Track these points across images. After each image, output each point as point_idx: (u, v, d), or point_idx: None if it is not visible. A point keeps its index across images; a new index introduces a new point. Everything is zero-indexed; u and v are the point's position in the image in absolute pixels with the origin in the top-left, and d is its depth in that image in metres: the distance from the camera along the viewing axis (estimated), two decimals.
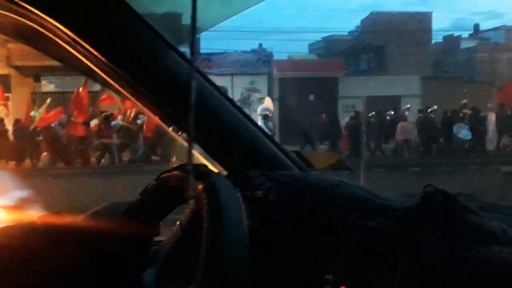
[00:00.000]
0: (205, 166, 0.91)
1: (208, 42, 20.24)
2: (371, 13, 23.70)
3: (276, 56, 19.80)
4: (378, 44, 22.07)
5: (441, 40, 26.45)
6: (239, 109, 1.18)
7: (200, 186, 0.83)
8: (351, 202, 0.87)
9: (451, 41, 26.36)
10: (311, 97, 18.39)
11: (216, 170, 1.07)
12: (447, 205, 0.78)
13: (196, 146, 1.07)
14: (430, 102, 16.33)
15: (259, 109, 13.14)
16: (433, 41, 24.91)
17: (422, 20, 23.09)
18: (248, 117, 1.20)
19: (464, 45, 26.53)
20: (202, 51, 18.10)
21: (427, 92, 18.38)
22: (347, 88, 18.60)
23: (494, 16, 53.93)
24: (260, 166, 1.10)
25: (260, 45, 20.72)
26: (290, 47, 21.78)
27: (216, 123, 1.13)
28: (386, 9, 23.74)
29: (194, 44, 0.83)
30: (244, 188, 0.94)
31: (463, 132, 14.31)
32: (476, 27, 27.96)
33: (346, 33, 24.73)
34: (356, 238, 0.80)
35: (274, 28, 23.80)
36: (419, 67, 20.14)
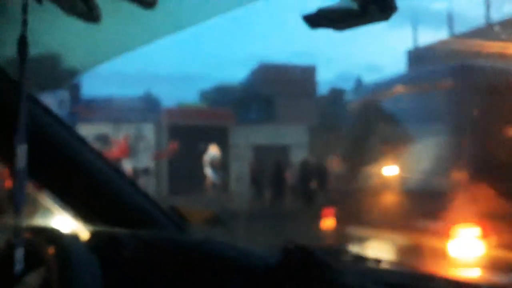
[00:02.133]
0: (56, 228, 0.85)
1: (90, 88, 19.66)
2: (260, 65, 24.71)
3: (165, 103, 19.77)
4: (267, 95, 22.90)
5: (326, 92, 28.02)
6: (104, 159, 1.13)
7: (50, 251, 0.78)
8: (215, 261, 0.87)
9: (335, 94, 28.04)
10: (202, 146, 18.48)
11: (76, 227, 1.00)
12: (305, 262, 0.79)
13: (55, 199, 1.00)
14: (317, 151, 17.12)
15: (205, 157, 12.92)
16: (319, 93, 26.36)
17: (308, 73, 24.51)
18: (116, 170, 1.15)
19: (347, 97, 28.30)
20: (83, 97, 17.58)
21: (313, 142, 19.25)
22: (238, 137, 18.92)
23: (375, 69, 58.62)
24: (129, 223, 1.06)
25: (148, 91, 20.57)
26: (180, 94, 21.85)
27: (78, 175, 1.07)
28: (275, 60, 24.92)
29: (23, 69, 0.77)
30: (107, 249, 0.89)
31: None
32: (359, 80, 30.02)
33: (237, 83, 25.40)
34: None
35: (163, 74, 23.80)
36: (306, 118, 21.11)
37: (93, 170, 1.10)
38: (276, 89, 22.45)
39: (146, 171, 15.48)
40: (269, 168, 15.82)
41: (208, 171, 13.61)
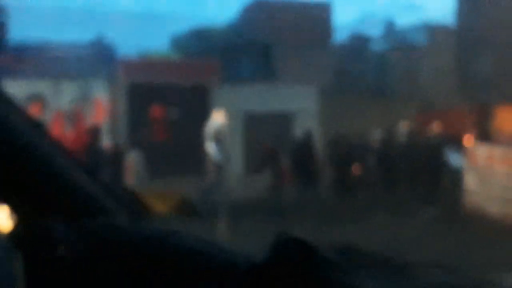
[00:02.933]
0: None
1: (22, 28, 19.49)
2: (256, 1, 24.48)
3: (124, 52, 19.68)
4: (265, 42, 22.82)
5: (345, 40, 27.99)
6: (37, 128, 1.17)
7: None
8: (183, 259, 0.92)
9: (357, 42, 28.01)
10: (174, 112, 18.48)
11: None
12: (304, 259, 0.84)
13: None
14: (330, 122, 17.23)
15: (207, 128, 13.01)
16: (335, 41, 26.29)
17: (321, 12, 24.36)
18: (53, 143, 1.19)
19: (374, 47, 28.35)
20: (12, 41, 17.49)
21: (326, 109, 19.29)
22: (224, 101, 18.91)
23: (411, 8, 58.03)
24: (69, 211, 1.11)
25: (99, 35, 20.42)
26: (145, 40, 21.58)
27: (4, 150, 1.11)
28: None
29: None
30: (38, 243, 0.95)
31: None
32: (389, 24, 30.02)
33: (223, 25, 25.23)
34: None
35: (120, 11, 23.47)
36: (317, 75, 21.09)
37: (21, 143, 1.14)
38: (276, 35, 22.38)
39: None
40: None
41: (211, 147, 13.69)
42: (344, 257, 0.98)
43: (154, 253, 0.95)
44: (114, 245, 1.00)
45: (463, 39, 25.06)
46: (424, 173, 14.75)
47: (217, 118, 13.90)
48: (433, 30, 27.90)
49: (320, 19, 24.26)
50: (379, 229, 9.55)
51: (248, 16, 24.57)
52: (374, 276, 0.94)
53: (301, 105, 19.35)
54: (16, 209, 1.14)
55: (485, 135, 17.06)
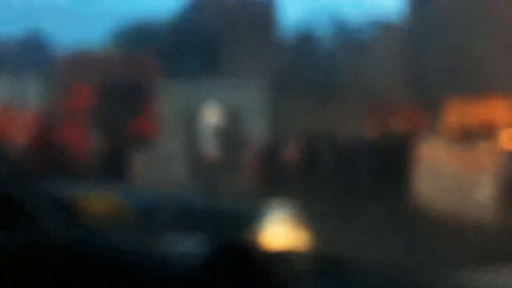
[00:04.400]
0: None
1: None
2: None
3: (59, 47, 19.43)
4: (209, 37, 22.76)
5: (293, 36, 28.10)
6: None
7: None
8: (116, 263, 0.84)
9: (306, 38, 28.11)
10: (118, 113, 18.29)
11: None
12: (240, 264, 0.82)
13: None
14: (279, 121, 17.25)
15: (205, 124, 12.93)
16: (282, 37, 26.39)
17: (267, 9, 24.43)
18: None
19: (322, 43, 28.46)
20: None
21: (272, 104, 19.31)
22: (167, 98, 18.81)
23: (360, 5, 58.72)
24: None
25: (33, 28, 20.10)
26: (81, 34, 21.38)
27: None
28: None
29: None
30: None
31: None
32: (337, 20, 30.19)
33: (165, 19, 25.10)
34: None
35: (54, 4, 23.23)
36: (263, 70, 21.11)
37: None
38: (221, 30, 22.36)
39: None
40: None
41: (209, 145, 13.68)
42: (286, 261, 0.90)
43: (85, 258, 0.90)
44: (44, 250, 0.99)
45: (410, 35, 25.40)
46: (387, 168, 14.92)
47: (211, 115, 13.94)
48: (380, 26, 28.25)
49: (266, 15, 24.37)
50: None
51: (191, 9, 24.51)
52: (316, 279, 0.90)
53: (246, 100, 19.33)
54: None
55: (435, 129, 17.31)
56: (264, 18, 24.03)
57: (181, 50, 22.87)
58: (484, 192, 11.31)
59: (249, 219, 5.25)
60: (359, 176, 15.51)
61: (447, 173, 12.68)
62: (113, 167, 15.12)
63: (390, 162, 15.25)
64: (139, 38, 23.30)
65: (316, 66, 26.40)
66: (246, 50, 21.99)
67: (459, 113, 18.60)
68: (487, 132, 14.81)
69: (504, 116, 16.84)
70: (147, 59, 20.54)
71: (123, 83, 18.18)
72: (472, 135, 14.68)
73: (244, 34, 22.60)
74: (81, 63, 19.03)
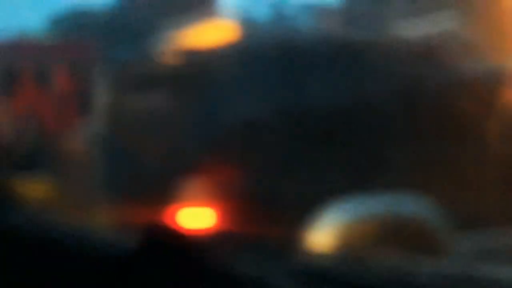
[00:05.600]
0: None
1: None
2: None
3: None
4: (146, 25, 22.82)
5: (232, 22, 28.31)
6: None
7: None
8: (53, 247, 0.86)
9: (245, 23, 28.35)
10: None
11: None
12: (171, 246, 0.87)
13: None
14: None
15: None
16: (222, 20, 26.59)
17: None
18: None
19: (262, 28, 28.75)
20: None
21: None
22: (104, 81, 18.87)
23: None
24: None
25: None
26: (19, 20, 21.13)
27: None
28: None
29: None
30: None
31: None
32: (277, 5, 30.49)
33: (103, 5, 25.06)
34: None
35: None
36: None
37: None
38: (158, 17, 22.40)
39: None
40: None
41: None
42: (216, 240, 0.98)
43: (21, 241, 0.78)
44: None
45: (349, 19, 25.88)
46: None
47: None
48: (319, 11, 28.62)
49: (203, 1, 24.49)
50: None
51: None
52: (248, 258, 0.92)
53: None
54: None
55: None
56: (201, 4, 24.17)
57: (119, 36, 22.89)
58: None
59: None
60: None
61: None
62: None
63: None
64: (78, 24, 23.24)
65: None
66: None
67: None
68: None
69: None
70: (86, 44, 20.57)
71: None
72: None
73: (181, 21, 22.73)
74: (18, 49, 19.00)
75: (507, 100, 6.73)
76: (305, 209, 5.01)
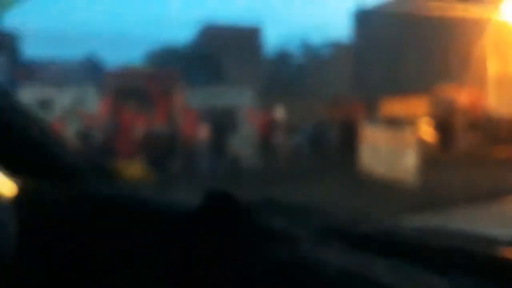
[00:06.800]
0: None
1: (29, 51, 19.18)
2: (206, 26, 24.66)
3: (110, 66, 19.49)
4: (215, 56, 22.96)
5: (273, 54, 28.30)
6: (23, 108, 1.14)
7: None
8: (134, 211, 0.88)
9: (283, 56, 28.30)
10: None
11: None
12: (227, 209, 0.80)
13: None
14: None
15: None
16: (266, 55, 26.64)
17: (254, 35, 24.67)
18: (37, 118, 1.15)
19: (295, 59, 28.61)
20: (22, 60, 17.08)
21: (262, 105, 19.60)
22: (188, 99, 18.97)
23: (321, 29, 58.61)
24: (54, 177, 1.05)
25: (91, 53, 20.22)
26: (125, 56, 21.54)
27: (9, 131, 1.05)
28: (221, 21, 24.97)
29: None
30: (26, 206, 0.92)
31: None
32: (305, 42, 30.31)
33: (183, 44, 25.31)
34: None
35: (106, 35, 23.27)
36: (253, 80, 21.38)
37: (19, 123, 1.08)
38: (223, 51, 22.52)
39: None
40: None
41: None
42: (266, 207, 0.95)
43: (119, 209, 0.91)
44: (89, 207, 0.95)
45: (358, 52, 25.60)
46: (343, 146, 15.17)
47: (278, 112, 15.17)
48: (336, 46, 28.43)
49: (254, 39, 24.62)
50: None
51: (200, 37, 24.70)
52: (293, 223, 0.89)
53: (242, 102, 19.54)
54: (13, 174, 1.05)
55: (375, 120, 17.57)
56: (253, 41, 24.30)
57: (195, 66, 22.98)
58: (408, 162, 11.60)
59: None
60: (324, 151, 15.80)
61: (383, 149, 12.93)
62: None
63: (344, 142, 15.52)
64: (166, 57, 23.43)
65: (290, 76, 26.58)
66: (240, 65, 22.24)
67: (391, 107, 18.90)
68: (410, 119, 15.11)
69: (421, 109, 17.33)
70: (171, 72, 20.72)
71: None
72: (400, 122, 14.96)
73: (239, 53, 22.82)
74: (124, 76, 19.15)
75: None
76: None
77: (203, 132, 16.12)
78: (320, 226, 0.90)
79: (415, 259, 0.81)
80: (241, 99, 19.91)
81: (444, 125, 15.52)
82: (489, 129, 14.86)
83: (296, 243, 0.78)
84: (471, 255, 0.80)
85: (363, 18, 25.17)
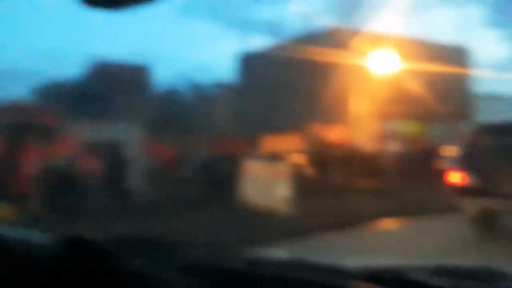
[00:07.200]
0: None
1: None
2: (95, 62, 24.17)
3: None
4: (101, 92, 22.50)
5: (162, 91, 28.31)
6: None
7: None
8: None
9: (171, 93, 28.40)
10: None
11: None
12: (86, 253, 0.80)
13: None
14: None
15: None
16: (154, 91, 26.57)
17: (143, 73, 24.58)
18: None
19: (183, 96, 28.80)
20: None
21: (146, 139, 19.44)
22: (78, 134, 18.29)
23: (208, 71, 59.83)
24: None
25: None
26: (12, 91, 20.41)
27: None
28: (110, 59, 24.64)
29: None
30: None
31: None
32: (193, 81, 30.71)
33: (71, 80, 24.49)
34: None
35: None
36: (141, 116, 21.20)
37: None
38: (110, 87, 22.16)
39: None
40: None
41: None
42: (128, 247, 0.94)
43: None
44: None
45: (241, 92, 26.31)
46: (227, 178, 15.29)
47: None
48: (222, 86, 29.04)
49: (141, 76, 24.52)
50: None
51: (88, 73, 24.14)
52: (154, 262, 0.89)
53: (131, 136, 19.28)
54: None
55: (255, 153, 18.08)
56: (141, 79, 24.16)
57: (82, 101, 22.30)
58: (282, 193, 11.95)
59: None
60: (210, 183, 15.88)
61: (261, 181, 13.22)
62: None
63: (227, 174, 15.72)
64: (53, 93, 22.54)
65: (177, 112, 26.65)
66: (129, 101, 22.00)
67: (269, 142, 19.65)
68: (285, 154, 15.72)
69: (295, 144, 18.11)
70: (55, 107, 20.01)
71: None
72: (276, 156, 15.49)
73: (127, 90, 22.58)
74: (6, 110, 18.16)
75: None
76: None
77: (94, 167, 15.65)
78: (183, 262, 0.90)
79: None
80: (131, 133, 19.64)
81: (316, 159, 16.44)
82: (354, 163, 15.99)
83: (155, 284, 0.78)
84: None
85: (246, 61, 26.11)
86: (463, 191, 7.02)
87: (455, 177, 7.19)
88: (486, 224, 7.31)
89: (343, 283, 0.85)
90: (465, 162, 7.18)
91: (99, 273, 0.79)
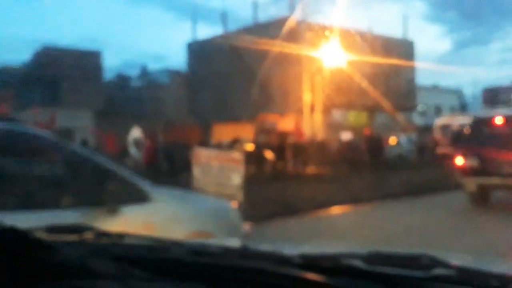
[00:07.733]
0: None
1: None
2: (44, 48, 23.43)
3: None
4: (51, 78, 21.87)
5: (113, 78, 27.82)
6: None
7: None
8: None
9: (122, 80, 27.96)
10: None
11: None
12: (16, 242, 0.77)
13: None
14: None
15: (129, 138, 14.17)
16: (105, 79, 26.07)
17: (93, 58, 24.07)
18: None
19: (133, 83, 28.45)
20: None
21: (99, 126, 19.14)
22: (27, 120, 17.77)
23: (159, 59, 59.06)
24: None
25: None
26: None
27: None
28: (60, 44, 23.98)
29: None
30: None
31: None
32: (144, 68, 30.33)
33: (19, 65, 23.66)
34: None
35: None
36: (91, 102, 20.81)
37: None
38: (60, 73, 21.58)
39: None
40: None
41: (132, 150, 14.35)
42: (60, 236, 0.93)
43: None
44: None
45: (192, 80, 26.24)
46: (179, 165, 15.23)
47: (136, 132, 14.79)
48: (172, 74, 28.82)
49: (93, 62, 23.96)
50: None
51: (37, 59, 23.32)
52: (83, 248, 0.88)
53: (79, 123, 18.94)
54: None
55: (206, 142, 18.13)
56: (91, 64, 23.63)
57: (30, 87, 21.65)
58: (235, 180, 12.09)
59: None
60: (164, 169, 15.84)
61: (214, 168, 13.29)
62: None
63: (178, 162, 15.67)
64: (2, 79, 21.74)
65: (128, 99, 26.31)
66: (79, 88, 21.52)
67: (221, 130, 19.77)
68: (237, 142, 15.84)
69: (247, 133, 18.29)
70: (5, 93, 19.31)
71: None
72: (229, 144, 15.60)
73: (77, 75, 22.07)
74: None
75: None
76: None
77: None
78: (125, 252, 0.89)
79: (222, 280, 0.84)
80: (81, 120, 19.28)
81: (267, 147, 16.63)
82: (306, 151, 16.30)
83: (93, 277, 0.76)
84: (272, 275, 0.84)
85: (197, 49, 26.01)
86: (464, 171, 8.42)
87: (459, 161, 8.61)
88: (482, 197, 8.71)
89: (281, 270, 0.87)
90: (466, 148, 8.59)
91: (32, 264, 0.77)
